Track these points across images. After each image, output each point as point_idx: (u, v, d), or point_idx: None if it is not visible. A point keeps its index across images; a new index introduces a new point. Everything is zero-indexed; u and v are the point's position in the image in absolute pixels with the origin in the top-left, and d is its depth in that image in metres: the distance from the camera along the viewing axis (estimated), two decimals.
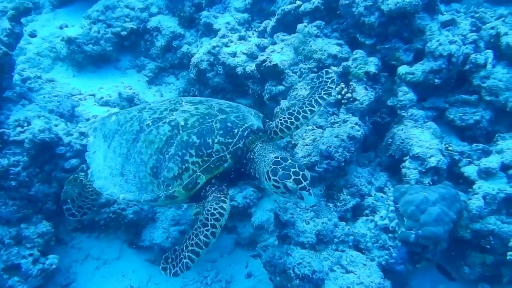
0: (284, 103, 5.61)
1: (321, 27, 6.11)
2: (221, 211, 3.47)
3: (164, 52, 8.58)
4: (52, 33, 8.80)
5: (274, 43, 6.72)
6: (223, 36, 7.19)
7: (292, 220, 4.59)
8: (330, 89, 4.28)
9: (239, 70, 6.65)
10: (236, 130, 3.71)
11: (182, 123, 3.73)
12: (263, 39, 7.10)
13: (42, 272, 5.01)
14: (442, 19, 5.77)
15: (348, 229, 4.67)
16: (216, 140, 3.62)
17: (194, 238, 3.42)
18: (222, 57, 6.78)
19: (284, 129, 4.04)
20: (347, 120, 5.14)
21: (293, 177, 3.29)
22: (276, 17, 7.17)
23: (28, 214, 5.21)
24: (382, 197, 4.91)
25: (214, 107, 3.93)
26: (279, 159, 3.47)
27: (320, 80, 4.44)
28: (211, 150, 3.60)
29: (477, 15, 6.42)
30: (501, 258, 4.48)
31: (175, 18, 8.76)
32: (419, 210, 4.34)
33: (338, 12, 6.11)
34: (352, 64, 5.46)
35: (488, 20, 6.24)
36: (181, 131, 3.67)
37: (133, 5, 8.70)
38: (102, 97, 7.16)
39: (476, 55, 5.43)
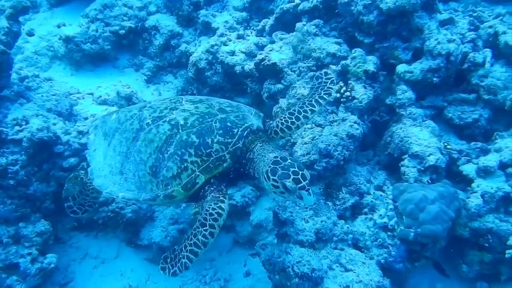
0: (283, 102, 5.61)
1: (320, 26, 6.11)
2: (220, 211, 3.46)
3: (162, 51, 8.56)
4: (50, 32, 8.75)
5: (272, 42, 6.71)
6: (222, 35, 7.17)
7: (291, 218, 4.59)
8: (330, 89, 4.29)
9: (237, 68, 6.64)
10: (235, 130, 3.70)
11: (182, 122, 3.72)
12: (261, 37, 7.09)
13: (41, 271, 5.00)
14: (441, 18, 5.79)
15: (347, 227, 4.68)
16: (215, 140, 3.61)
17: (193, 238, 3.42)
18: (221, 56, 6.77)
19: (285, 129, 4.04)
20: (346, 119, 5.15)
21: (292, 176, 3.29)
22: (274, 15, 7.16)
23: (27, 213, 5.20)
24: (381, 195, 4.92)
25: (214, 106, 3.92)
26: (279, 158, 3.46)
27: (320, 81, 4.45)
28: (210, 149, 3.59)
29: (475, 14, 6.44)
30: (499, 256, 4.51)
31: (174, 17, 8.74)
32: (418, 208, 4.36)
33: (336, 11, 6.11)
34: (351, 63, 5.47)
35: (486, 19, 6.25)
36: (180, 130, 3.67)
37: (131, 4, 8.66)
38: (100, 96, 7.14)
39: (474, 54, 5.44)
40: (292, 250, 4.38)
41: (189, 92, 7.77)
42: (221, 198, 3.56)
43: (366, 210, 4.89)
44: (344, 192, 4.94)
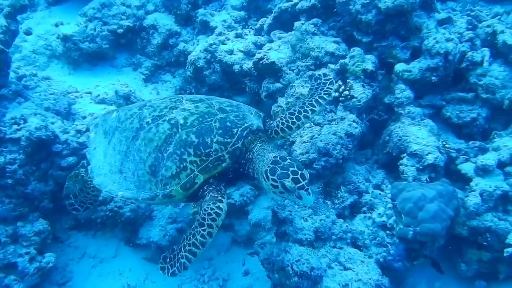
0: (281, 101, 5.61)
1: (318, 25, 6.11)
2: (218, 211, 3.46)
3: (160, 50, 8.53)
4: (48, 31, 8.72)
5: (271, 41, 6.70)
6: (220, 34, 7.16)
7: (290, 217, 4.59)
8: (330, 90, 4.31)
9: (236, 67, 6.63)
10: (235, 130, 3.70)
11: (182, 121, 3.72)
12: (260, 36, 7.08)
13: (39, 271, 4.99)
14: (439, 17, 5.79)
15: (346, 226, 4.68)
16: (214, 140, 3.61)
17: (191, 238, 3.42)
18: (219, 55, 6.76)
19: (286, 128, 4.04)
20: (344, 118, 5.15)
21: (291, 176, 3.29)
22: (272, 14, 7.15)
23: (25, 212, 5.19)
24: (379, 194, 4.93)
25: (214, 106, 3.91)
26: (278, 158, 3.47)
27: (319, 82, 4.46)
28: (210, 149, 3.58)
29: (473, 13, 6.44)
30: (497, 255, 4.51)
31: (172, 16, 8.72)
32: (417, 207, 4.36)
33: (335, 10, 6.10)
34: (349, 62, 5.47)
35: (484, 18, 6.26)
36: (180, 130, 3.66)
37: (130, 3, 8.63)
38: (99, 95, 7.12)
39: (472, 53, 5.44)
40: (291, 249, 4.38)
41: (187, 91, 7.76)
42: (220, 198, 3.55)
43: (365, 209, 4.90)
44: (343, 191, 4.95)
